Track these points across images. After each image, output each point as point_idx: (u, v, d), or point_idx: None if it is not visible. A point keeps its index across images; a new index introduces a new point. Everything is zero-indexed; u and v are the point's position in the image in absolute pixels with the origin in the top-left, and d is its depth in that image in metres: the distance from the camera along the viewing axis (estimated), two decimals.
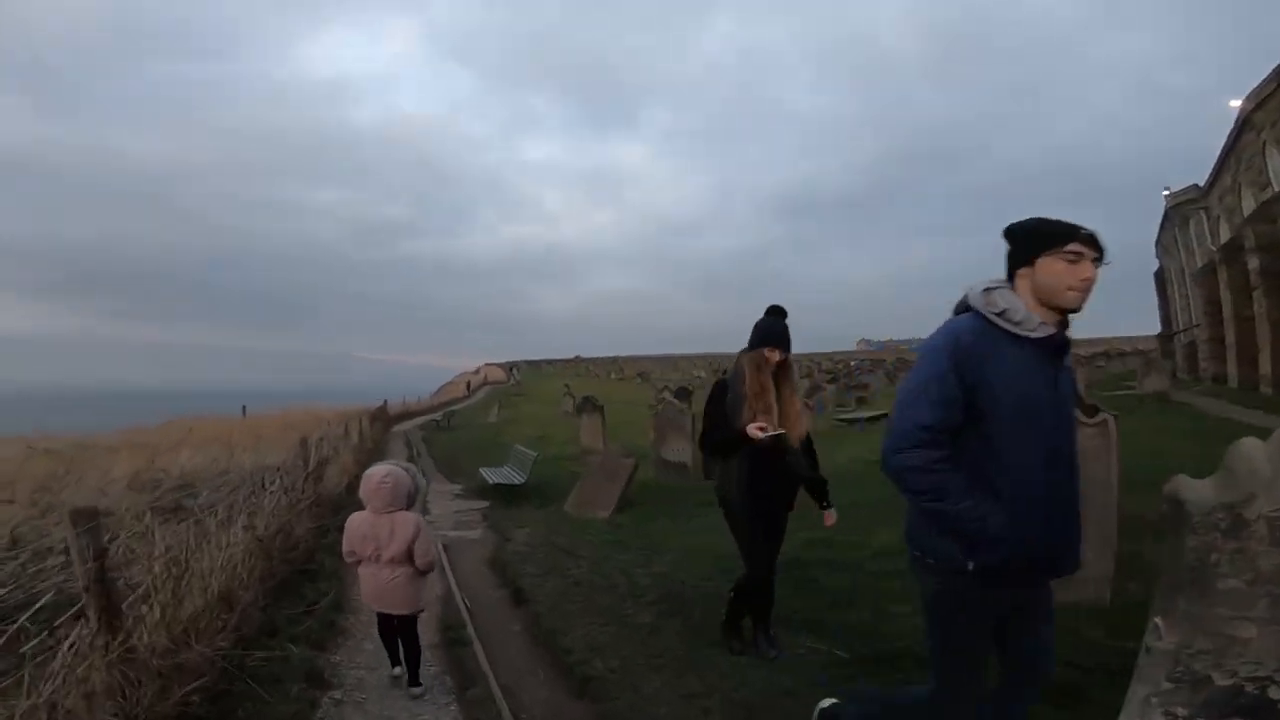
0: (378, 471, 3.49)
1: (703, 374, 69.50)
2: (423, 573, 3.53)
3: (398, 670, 3.69)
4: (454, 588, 5.37)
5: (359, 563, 3.51)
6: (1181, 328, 29.74)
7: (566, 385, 57.06)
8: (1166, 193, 29.38)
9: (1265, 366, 17.12)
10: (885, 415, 18.43)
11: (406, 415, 34.59)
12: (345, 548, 3.54)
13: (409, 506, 3.50)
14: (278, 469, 6.84)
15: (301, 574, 5.35)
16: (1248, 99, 19.33)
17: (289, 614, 4.37)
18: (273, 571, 4.80)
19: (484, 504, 9.65)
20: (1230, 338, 19.71)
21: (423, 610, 3.72)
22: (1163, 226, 32.05)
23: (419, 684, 3.60)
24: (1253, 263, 17.57)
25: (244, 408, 24.25)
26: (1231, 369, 19.82)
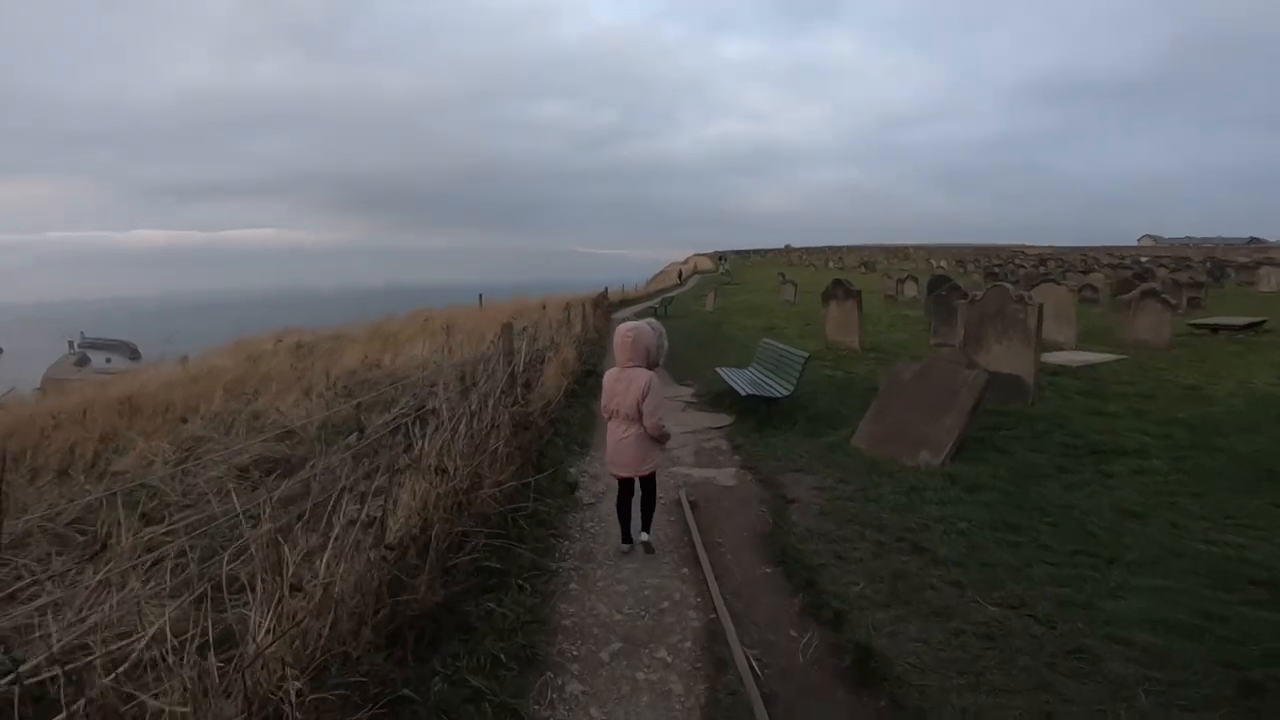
0: (624, 326, 3.57)
1: (944, 264, 59.93)
2: (653, 437, 3.54)
3: (626, 547, 3.74)
4: (726, 625, 2.99)
5: (610, 415, 3.62)
6: None
7: (781, 273, 53.25)
8: None
9: None
10: (1263, 322, 12.70)
11: (625, 303, 34.32)
12: (603, 401, 3.65)
13: (650, 365, 3.55)
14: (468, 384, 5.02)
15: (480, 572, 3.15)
16: None
17: None
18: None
19: (726, 420, 7.45)
20: None
21: (652, 470, 3.65)
22: None
23: (647, 533, 3.74)
24: None
25: (480, 297, 25.24)
26: None
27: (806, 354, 7.00)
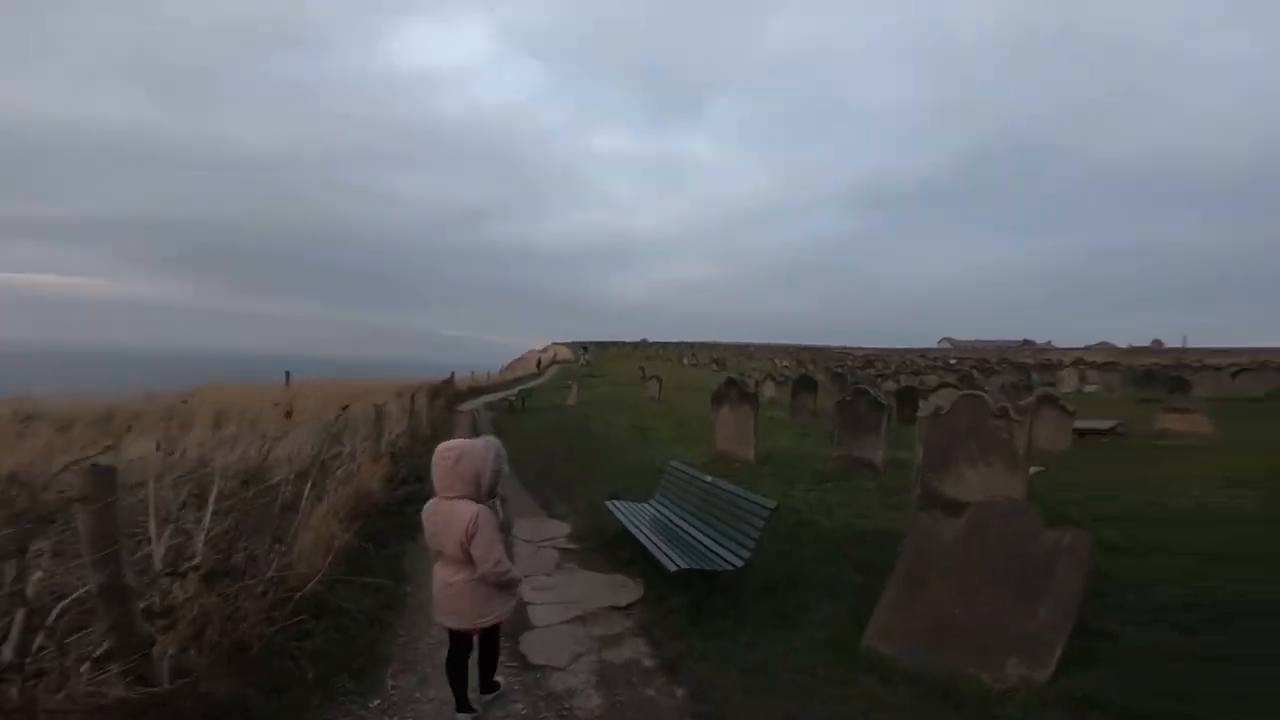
0: (445, 446, 2.91)
1: (789, 364, 63.44)
2: (487, 582, 2.88)
3: (464, 718, 3.10)
4: None
5: (436, 555, 3.02)
6: None
7: (642, 368, 52.68)
8: None
9: None
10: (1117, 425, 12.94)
11: (476, 391, 30.66)
12: (427, 540, 3.03)
13: (485, 496, 2.85)
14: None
15: None
16: None
17: None
18: None
19: (631, 592, 4.80)
20: None
21: (495, 623, 3.02)
22: None
23: (488, 692, 3.22)
24: None
25: (288, 374, 20.48)
26: None
27: (772, 504, 4.60)
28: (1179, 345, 79.59)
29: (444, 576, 2.90)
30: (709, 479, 6.17)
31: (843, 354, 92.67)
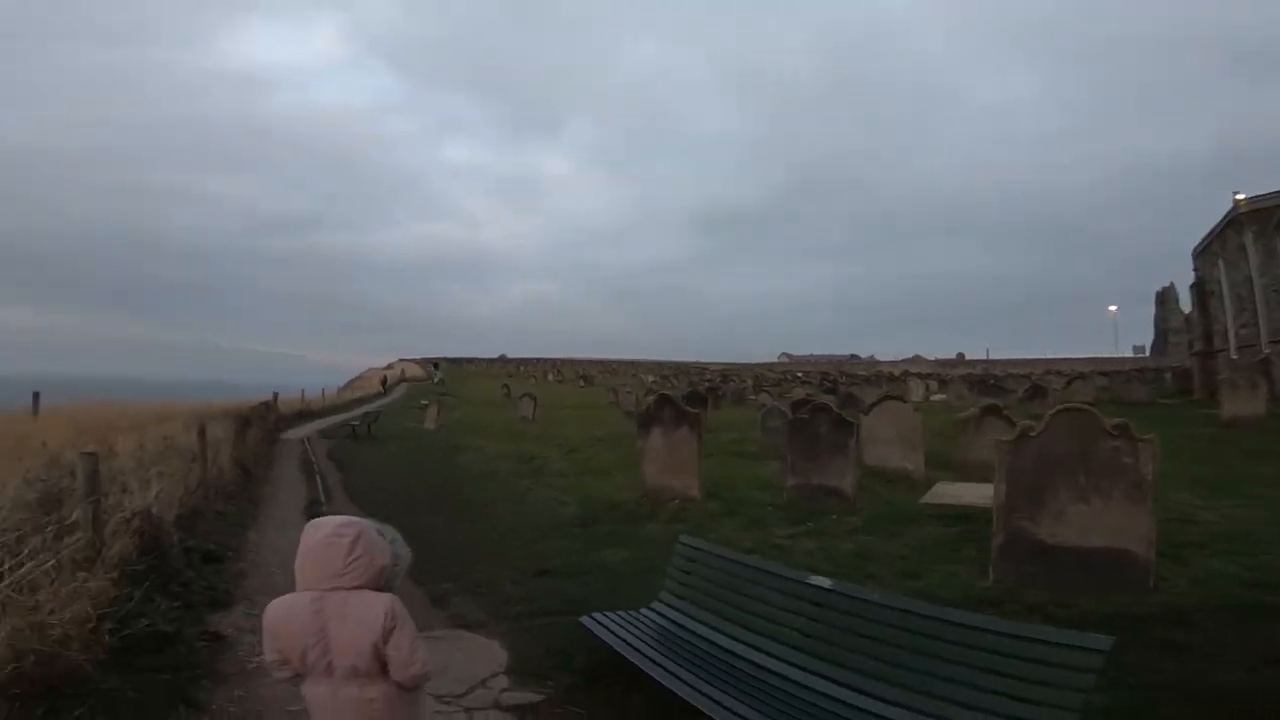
0: (328, 522, 2.14)
1: (653, 378, 62.97)
2: (407, 689, 2.14)
3: None
4: None
5: (295, 677, 2.12)
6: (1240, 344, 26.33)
7: (505, 385, 48.97)
8: (1240, 196, 26.12)
9: None
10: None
11: (306, 415, 25.52)
12: (270, 656, 2.13)
13: (382, 587, 2.14)
14: None
15: None
16: None
17: None
18: None
19: None
20: None
21: None
22: (1219, 234, 28.83)
23: None
24: None
25: (36, 396, 14.86)
26: None
27: (1105, 642, 2.26)
28: (983, 357, 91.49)
29: (349, 697, 2.07)
30: (688, 541, 3.86)
31: (699, 368, 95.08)
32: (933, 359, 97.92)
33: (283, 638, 2.09)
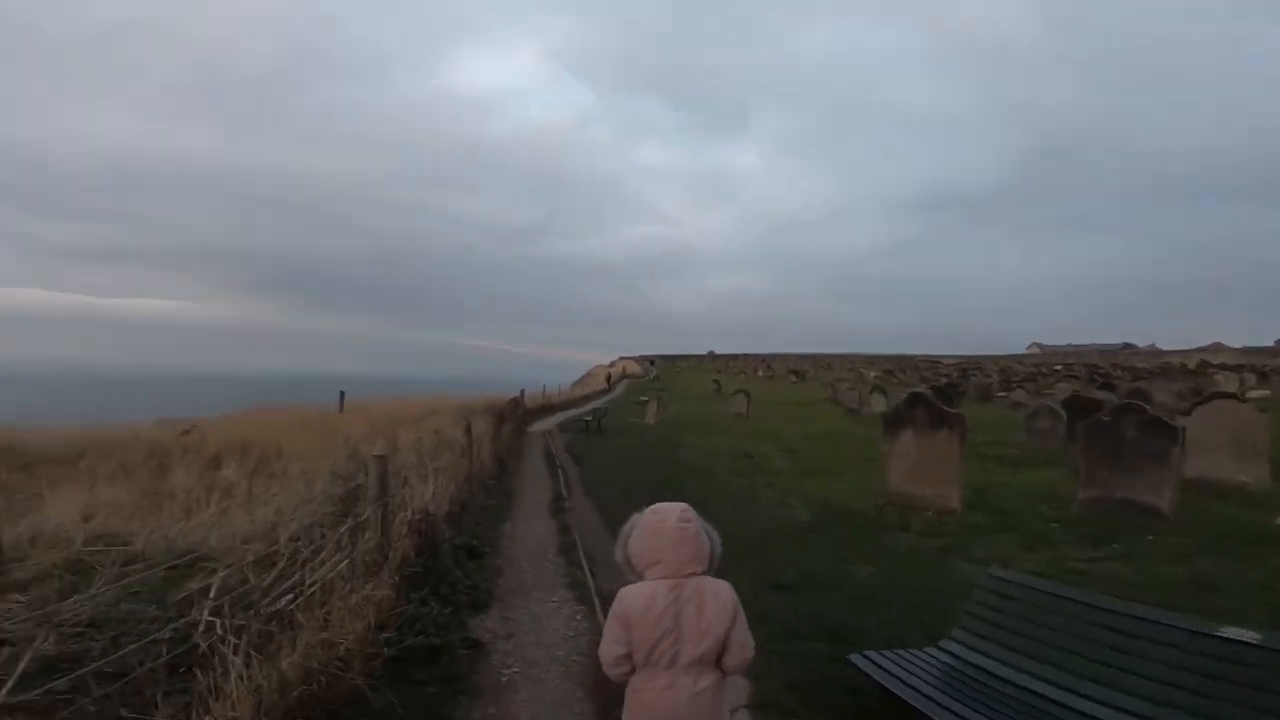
0: (672, 509, 2.17)
1: (876, 374, 58.68)
2: (736, 673, 2.21)
3: None
4: None
5: (631, 672, 2.06)
6: None
7: (716, 380, 49.62)
8: None
9: None
10: None
11: (546, 409, 28.55)
12: (617, 649, 2.03)
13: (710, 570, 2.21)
14: None
15: None
16: None
17: None
18: None
19: None
20: None
21: None
22: None
23: None
24: None
25: (342, 395, 18.66)
26: None
27: None
28: None
29: (682, 690, 2.01)
30: (996, 574, 3.26)
31: (929, 362, 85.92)
32: (1237, 346, 76.89)
33: (640, 628, 2.04)
